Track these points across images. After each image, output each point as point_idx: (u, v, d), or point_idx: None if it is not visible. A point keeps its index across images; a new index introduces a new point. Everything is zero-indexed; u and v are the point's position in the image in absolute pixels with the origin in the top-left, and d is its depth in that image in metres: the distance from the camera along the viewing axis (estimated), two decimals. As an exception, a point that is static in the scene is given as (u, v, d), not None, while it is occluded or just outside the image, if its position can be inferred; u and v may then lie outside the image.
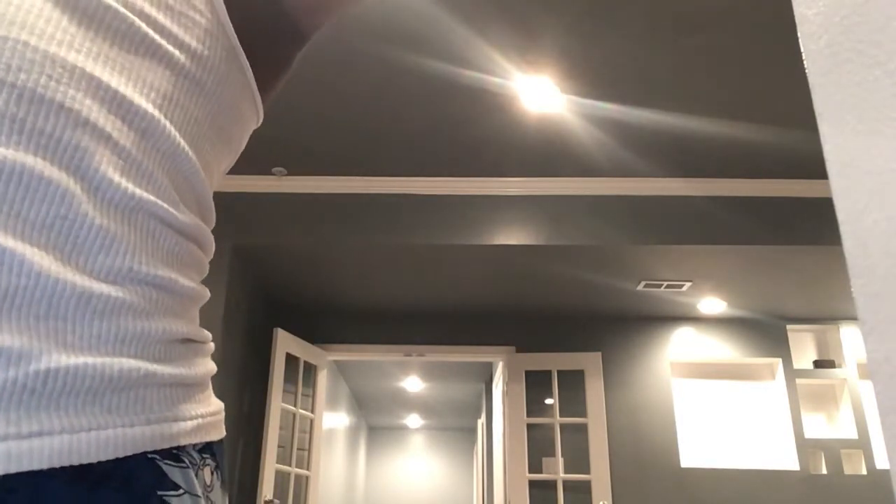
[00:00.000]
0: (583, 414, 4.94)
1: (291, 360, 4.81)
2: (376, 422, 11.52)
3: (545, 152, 3.89)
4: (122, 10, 0.43)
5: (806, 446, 4.85)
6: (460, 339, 5.22)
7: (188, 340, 0.46)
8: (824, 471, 4.80)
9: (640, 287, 4.61)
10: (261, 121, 0.58)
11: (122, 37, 0.43)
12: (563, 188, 4.15)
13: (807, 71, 0.52)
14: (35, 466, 0.33)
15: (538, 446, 4.96)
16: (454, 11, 2.87)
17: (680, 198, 4.12)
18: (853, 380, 5.01)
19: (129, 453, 0.37)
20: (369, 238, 4.10)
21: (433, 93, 3.39)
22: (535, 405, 5.05)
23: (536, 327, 5.20)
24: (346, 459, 8.88)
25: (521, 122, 3.62)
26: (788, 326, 5.14)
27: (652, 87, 3.34)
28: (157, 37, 0.45)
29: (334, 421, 7.70)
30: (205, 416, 0.45)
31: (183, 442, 0.42)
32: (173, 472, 0.40)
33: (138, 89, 0.43)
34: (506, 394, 5.14)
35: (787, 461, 4.90)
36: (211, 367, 0.49)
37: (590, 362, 5.04)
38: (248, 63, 0.53)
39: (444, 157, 3.96)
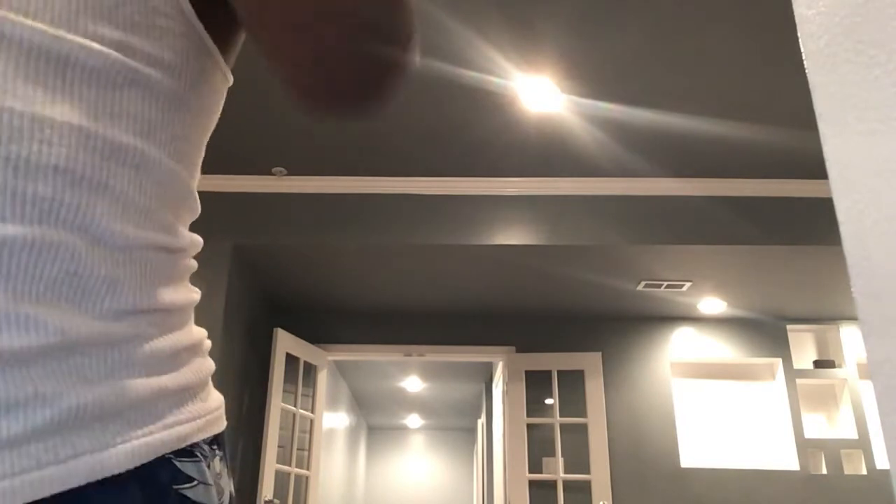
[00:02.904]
0: (583, 414, 4.94)
1: (291, 360, 4.81)
2: (376, 422, 11.52)
3: (545, 152, 3.89)
4: (97, 46, 0.44)
5: (806, 446, 4.85)
6: (460, 339, 5.22)
7: (190, 346, 0.50)
8: (824, 471, 4.80)
9: (640, 287, 4.61)
10: (231, 81, 0.57)
11: (100, 74, 0.44)
12: (563, 188, 4.15)
13: (807, 71, 0.52)
14: (74, 485, 0.39)
15: (538, 446, 4.96)
16: (454, 12, 2.87)
17: (680, 198, 4.12)
18: (853, 380, 5.01)
19: (151, 458, 0.43)
20: (369, 238, 4.10)
21: (433, 93, 3.39)
22: (535, 405, 5.05)
23: (536, 327, 5.20)
24: (346, 459, 8.88)
25: (521, 122, 3.62)
26: (788, 326, 5.13)
27: (652, 87, 3.34)
28: (132, 62, 0.45)
29: (334, 421, 7.70)
30: (211, 412, 0.50)
31: (195, 439, 0.47)
32: (187, 467, 0.46)
33: (125, 125, 0.45)
34: (506, 394, 5.14)
35: (787, 461, 4.90)
36: (210, 364, 0.53)
37: (590, 362, 5.04)
38: (214, 46, 0.52)
39: (444, 157, 3.96)
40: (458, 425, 11.58)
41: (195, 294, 0.53)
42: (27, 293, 0.39)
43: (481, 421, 8.75)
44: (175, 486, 0.45)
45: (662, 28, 2.95)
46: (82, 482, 0.39)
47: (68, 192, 0.41)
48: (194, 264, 0.53)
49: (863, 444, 4.83)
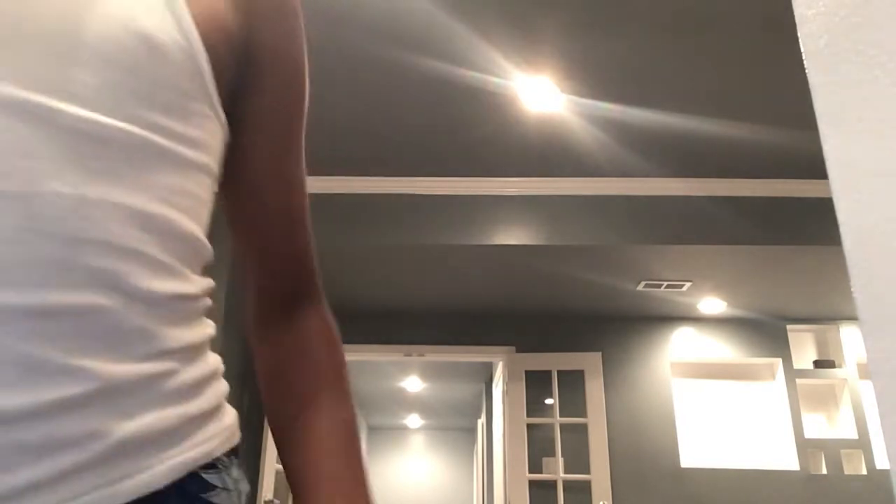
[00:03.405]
0: (583, 414, 4.94)
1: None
2: (376, 422, 11.52)
3: (545, 152, 3.89)
4: (135, 129, 0.50)
5: (806, 446, 4.85)
6: (460, 339, 5.22)
7: (209, 375, 0.58)
8: (824, 471, 4.80)
9: (640, 287, 4.60)
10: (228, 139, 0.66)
11: (135, 153, 0.50)
12: (563, 188, 4.15)
13: (807, 71, 0.52)
14: (125, 501, 0.47)
15: (538, 446, 4.96)
16: (454, 12, 2.87)
17: (680, 198, 4.12)
18: (853, 380, 5.01)
19: (184, 474, 0.51)
20: (369, 238, 4.10)
21: (433, 93, 3.39)
22: (535, 405, 5.05)
23: (536, 327, 5.20)
24: (346, 459, 8.86)
25: (521, 122, 3.62)
26: (788, 326, 5.13)
27: (652, 87, 3.33)
28: (165, 141, 0.52)
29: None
30: (228, 428, 0.58)
31: (217, 454, 0.55)
32: (212, 478, 0.54)
33: (154, 196, 0.51)
34: (506, 394, 5.14)
35: (787, 461, 4.89)
36: (225, 386, 0.61)
37: (590, 362, 5.04)
38: (226, 121, 0.59)
39: (444, 157, 3.96)
40: (458, 425, 11.58)
41: (210, 329, 0.60)
42: (76, 349, 0.46)
43: (481, 421, 8.74)
44: (202, 495, 0.53)
45: (662, 28, 2.95)
46: (129, 499, 0.47)
47: (107, 261, 0.48)
48: (209, 302, 0.60)
49: (863, 444, 4.83)
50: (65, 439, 0.45)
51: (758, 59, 3.11)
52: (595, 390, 4.97)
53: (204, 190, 0.57)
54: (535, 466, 4.90)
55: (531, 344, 5.15)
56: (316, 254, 0.71)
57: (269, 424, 0.68)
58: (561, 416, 4.97)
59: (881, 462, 4.78)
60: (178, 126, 0.53)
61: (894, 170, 0.44)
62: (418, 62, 3.17)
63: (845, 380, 5.03)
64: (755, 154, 3.84)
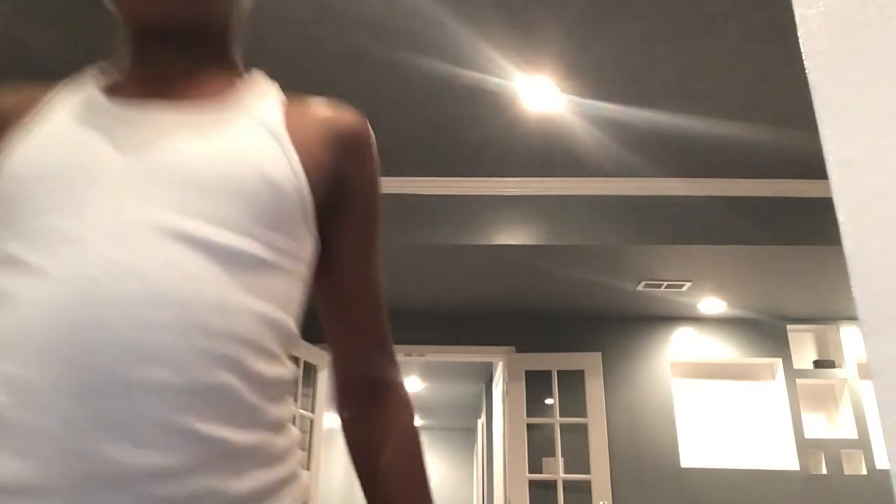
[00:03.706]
0: (583, 414, 4.94)
1: (291, 359, 4.81)
2: (376, 422, 11.50)
3: (545, 152, 3.89)
4: (260, 248, 0.65)
5: (806, 446, 4.85)
6: (460, 339, 5.22)
7: (292, 443, 0.69)
8: (824, 471, 4.80)
9: (640, 287, 4.60)
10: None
11: (258, 265, 0.65)
12: (563, 188, 4.15)
13: (807, 71, 0.52)
14: None
15: (538, 446, 4.95)
16: (454, 11, 2.87)
17: (680, 198, 4.12)
18: (853, 380, 5.00)
19: None
20: (369, 238, 4.10)
21: (433, 93, 3.39)
22: (535, 405, 5.05)
23: (536, 327, 5.20)
24: (346, 460, 8.88)
25: (521, 122, 3.62)
26: (788, 326, 5.13)
27: (652, 87, 3.33)
28: (279, 258, 0.67)
29: (335, 421, 7.69)
30: (304, 490, 0.69)
31: None
32: None
33: (269, 300, 0.66)
34: (506, 394, 5.14)
35: (787, 461, 4.89)
36: (302, 455, 0.73)
37: (590, 362, 5.04)
38: (317, 232, 0.75)
39: (444, 157, 3.96)
40: (458, 425, 11.58)
41: (293, 406, 0.72)
42: (211, 419, 0.58)
43: (481, 421, 8.74)
44: None
45: (662, 28, 2.95)
46: None
47: (238, 350, 0.61)
48: (293, 386, 0.73)
49: (863, 444, 4.83)
50: (197, 495, 0.56)
51: (758, 59, 3.11)
52: (595, 390, 4.97)
53: (299, 293, 0.72)
54: (535, 466, 4.90)
55: (531, 344, 5.15)
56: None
57: (366, 496, 0.83)
58: (561, 416, 4.97)
59: (881, 462, 4.78)
60: (288, 245, 0.68)
61: (894, 170, 0.44)
62: (418, 62, 3.17)
63: (845, 380, 5.03)
64: (755, 154, 3.84)
